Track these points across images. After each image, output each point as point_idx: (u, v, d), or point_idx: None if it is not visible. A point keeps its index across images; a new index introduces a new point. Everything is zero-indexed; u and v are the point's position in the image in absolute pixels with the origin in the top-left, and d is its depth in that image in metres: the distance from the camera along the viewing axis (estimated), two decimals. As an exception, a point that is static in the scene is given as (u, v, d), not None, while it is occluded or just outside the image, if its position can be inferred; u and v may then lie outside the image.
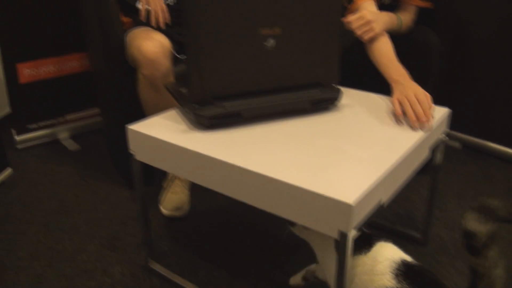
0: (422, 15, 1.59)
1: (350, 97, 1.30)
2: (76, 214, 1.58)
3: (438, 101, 1.22)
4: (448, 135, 1.28)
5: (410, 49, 1.48)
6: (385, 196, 0.92)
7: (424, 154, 1.12)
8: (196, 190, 1.66)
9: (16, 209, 1.62)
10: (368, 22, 1.33)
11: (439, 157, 1.28)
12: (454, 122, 1.92)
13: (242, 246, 1.40)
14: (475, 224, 0.64)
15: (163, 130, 1.08)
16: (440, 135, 1.21)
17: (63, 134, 2.15)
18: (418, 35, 1.51)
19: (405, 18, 1.52)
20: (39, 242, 1.43)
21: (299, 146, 0.99)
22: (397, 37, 1.46)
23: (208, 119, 1.05)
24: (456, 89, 1.98)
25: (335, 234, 0.80)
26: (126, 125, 1.11)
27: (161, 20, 1.45)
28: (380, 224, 1.49)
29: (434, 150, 1.23)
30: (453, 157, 1.96)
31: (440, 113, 1.19)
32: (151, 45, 1.34)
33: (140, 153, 1.11)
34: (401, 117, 1.13)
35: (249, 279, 1.26)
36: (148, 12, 1.44)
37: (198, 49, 1.00)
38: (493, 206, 0.66)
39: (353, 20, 1.34)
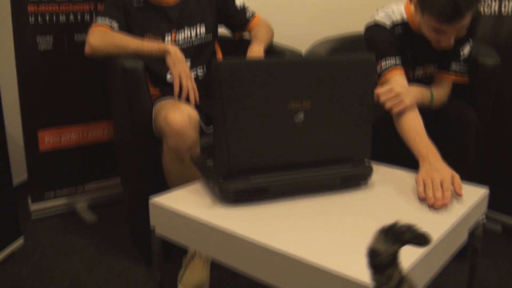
0: (459, 89, 1.60)
1: (381, 173, 1.28)
2: (88, 290, 1.55)
3: (476, 179, 1.20)
4: (487, 217, 1.24)
5: (446, 125, 1.48)
6: (419, 284, 0.88)
7: (462, 238, 1.08)
8: (216, 270, 1.62)
9: (25, 282, 1.60)
10: (397, 95, 1.35)
11: (478, 241, 1.23)
12: (494, 203, 1.87)
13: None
14: (380, 244, 0.70)
15: (186, 203, 1.07)
16: (479, 217, 1.17)
17: (80, 204, 2.16)
18: (454, 111, 1.51)
19: (438, 93, 1.53)
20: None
21: (328, 224, 0.97)
22: (433, 112, 1.46)
23: (233, 194, 1.05)
24: (496, 167, 1.94)
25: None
26: (150, 197, 1.11)
27: (191, 98, 1.53)
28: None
29: (472, 233, 1.19)
30: (493, 241, 1.89)
31: (479, 193, 1.16)
32: (179, 116, 1.37)
33: (161, 227, 1.10)
34: (422, 197, 1.11)
35: None
36: (180, 88, 1.52)
37: (226, 122, 1.02)
38: (399, 228, 0.71)
39: (382, 92, 1.36)
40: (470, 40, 1.58)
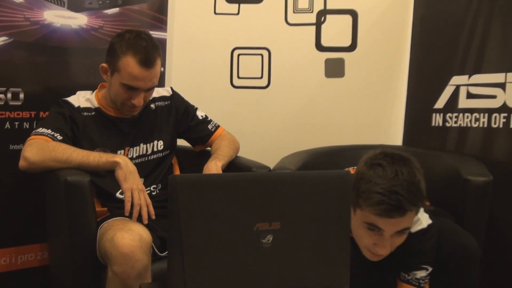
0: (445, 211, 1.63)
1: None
2: None
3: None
4: None
5: (448, 259, 1.43)
6: None
7: None
8: None
9: None
10: None
11: None
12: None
13: None
14: None
15: None
16: None
17: None
18: (455, 243, 1.45)
19: None
20: None
21: None
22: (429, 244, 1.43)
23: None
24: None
25: None
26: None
27: (144, 214, 1.51)
28: None
29: None
30: None
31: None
32: (128, 237, 1.35)
33: None
34: None
35: None
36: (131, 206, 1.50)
37: (182, 245, 1.01)
38: None
39: None
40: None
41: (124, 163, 1.55)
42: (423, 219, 1.44)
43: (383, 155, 1.32)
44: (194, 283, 1.03)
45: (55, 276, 1.74)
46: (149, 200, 1.56)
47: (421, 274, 1.41)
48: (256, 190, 1.07)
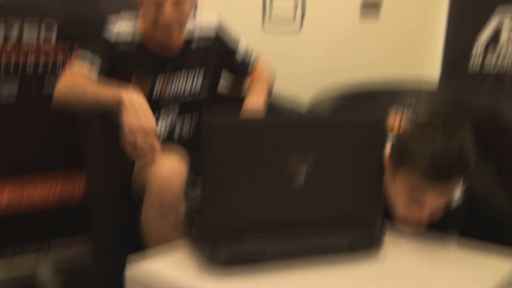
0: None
1: (394, 238, 1.28)
2: None
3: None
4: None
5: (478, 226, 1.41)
6: None
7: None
8: None
9: None
10: None
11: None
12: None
13: None
14: None
15: (169, 270, 1.08)
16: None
17: (43, 269, 2.11)
18: (486, 211, 1.43)
19: None
20: None
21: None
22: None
23: (224, 260, 1.06)
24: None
25: None
26: (126, 262, 1.11)
27: (148, 159, 1.43)
28: None
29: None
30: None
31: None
32: (165, 167, 1.40)
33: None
34: None
35: None
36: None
37: (217, 184, 1.05)
38: None
39: None
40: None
41: (128, 98, 1.45)
42: (457, 192, 1.37)
43: (434, 115, 1.28)
44: (228, 217, 1.07)
45: (93, 206, 1.79)
46: (157, 144, 1.45)
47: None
48: (290, 134, 1.10)
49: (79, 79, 1.60)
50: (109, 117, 1.50)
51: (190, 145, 1.65)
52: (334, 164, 1.13)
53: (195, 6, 1.86)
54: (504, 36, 2.01)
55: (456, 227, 1.38)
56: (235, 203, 1.07)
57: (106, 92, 1.52)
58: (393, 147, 1.28)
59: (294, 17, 2.46)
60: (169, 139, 1.72)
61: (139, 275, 1.09)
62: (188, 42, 1.78)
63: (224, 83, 2.00)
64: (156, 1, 1.59)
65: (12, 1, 1.84)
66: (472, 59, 2.12)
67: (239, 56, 1.89)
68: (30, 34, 1.87)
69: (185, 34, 1.76)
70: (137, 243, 1.49)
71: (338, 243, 1.15)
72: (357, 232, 1.16)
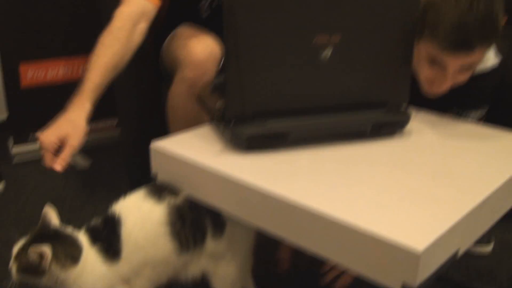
0: None
1: (419, 120, 1.28)
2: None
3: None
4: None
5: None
6: (464, 245, 0.90)
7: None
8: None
9: (4, 232, 1.65)
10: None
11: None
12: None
13: None
14: None
15: (192, 149, 1.09)
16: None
17: None
18: None
19: None
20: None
21: (356, 178, 0.98)
22: None
23: (246, 139, 1.06)
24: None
25: (397, 287, 0.79)
26: (152, 140, 1.13)
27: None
28: (454, 279, 1.47)
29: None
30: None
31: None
32: (201, 46, 1.39)
33: (164, 174, 1.12)
34: None
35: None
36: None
37: (240, 57, 1.02)
38: None
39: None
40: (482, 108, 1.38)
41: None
42: (489, 57, 1.34)
43: None
44: (251, 95, 1.05)
45: (118, 85, 1.79)
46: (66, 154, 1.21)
47: (475, 114, 1.37)
48: (316, 8, 1.04)
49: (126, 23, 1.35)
50: None
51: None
52: (363, 35, 1.08)
53: None
54: None
55: (486, 92, 1.35)
56: (258, 84, 1.05)
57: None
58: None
59: None
60: None
61: (163, 153, 1.10)
62: None
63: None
64: None
65: None
66: None
67: None
68: None
69: None
70: (162, 126, 1.51)
71: (361, 127, 1.13)
72: (382, 116, 1.14)
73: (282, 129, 1.07)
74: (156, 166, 1.14)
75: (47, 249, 0.99)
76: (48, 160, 1.19)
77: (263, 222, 0.96)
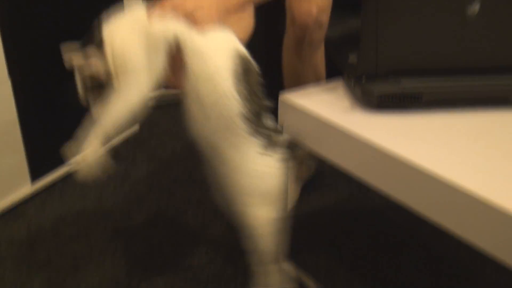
0: None
1: None
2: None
3: None
4: None
5: None
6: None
7: None
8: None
9: (139, 167, 1.77)
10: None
11: None
12: None
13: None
14: None
15: (321, 104, 1.08)
16: None
17: None
18: None
19: None
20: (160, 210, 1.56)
21: (494, 150, 0.92)
22: None
23: (377, 98, 1.03)
24: None
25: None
26: (280, 93, 1.13)
27: None
28: None
29: None
30: None
31: None
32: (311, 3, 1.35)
33: (290, 127, 1.13)
34: None
35: None
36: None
37: (377, 10, 0.99)
38: None
39: None
40: None
41: None
42: None
43: None
44: (386, 51, 1.02)
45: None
46: None
47: None
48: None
49: None
50: None
51: None
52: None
53: None
54: None
55: None
56: (394, 39, 1.02)
57: None
58: None
59: None
60: None
61: (291, 105, 1.11)
62: None
63: None
64: None
65: None
66: None
67: None
68: None
69: None
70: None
71: (505, 93, 1.05)
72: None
73: (416, 89, 1.03)
74: (283, 118, 1.14)
75: None
76: None
77: (386, 186, 0.93)
